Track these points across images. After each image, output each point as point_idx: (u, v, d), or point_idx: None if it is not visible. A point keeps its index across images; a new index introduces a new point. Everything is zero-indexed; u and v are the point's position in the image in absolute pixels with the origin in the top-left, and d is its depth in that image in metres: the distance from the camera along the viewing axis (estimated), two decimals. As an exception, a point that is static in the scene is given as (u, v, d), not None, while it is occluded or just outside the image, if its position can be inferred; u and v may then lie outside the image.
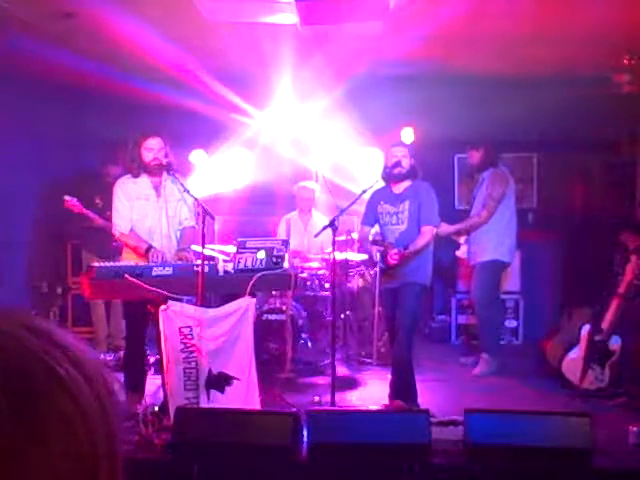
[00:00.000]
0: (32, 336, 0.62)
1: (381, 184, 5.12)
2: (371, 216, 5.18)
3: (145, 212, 4.83)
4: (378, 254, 4.95)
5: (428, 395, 5.15)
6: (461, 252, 6.56)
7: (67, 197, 5.85)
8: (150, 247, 4.68)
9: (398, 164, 4.97)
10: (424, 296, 5.18)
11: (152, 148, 4.76)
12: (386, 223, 5.07)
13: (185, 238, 4.93)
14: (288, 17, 4.90)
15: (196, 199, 4.69)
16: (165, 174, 4.81)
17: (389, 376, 5.09)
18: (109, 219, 6.14)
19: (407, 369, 4.95)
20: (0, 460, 0.56)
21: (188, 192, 4.69)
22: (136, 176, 4.83)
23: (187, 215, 4.92)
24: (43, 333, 0.63)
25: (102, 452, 0.63)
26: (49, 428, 0.59)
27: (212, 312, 4.47)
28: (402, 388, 4.94)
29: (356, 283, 6.41)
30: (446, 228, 5.86)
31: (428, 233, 4.94)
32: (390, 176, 5.03)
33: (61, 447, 0.59)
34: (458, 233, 6.25)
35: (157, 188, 4.85)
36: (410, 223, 4.96)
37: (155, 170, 4.78)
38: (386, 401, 5.01)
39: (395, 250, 4.75)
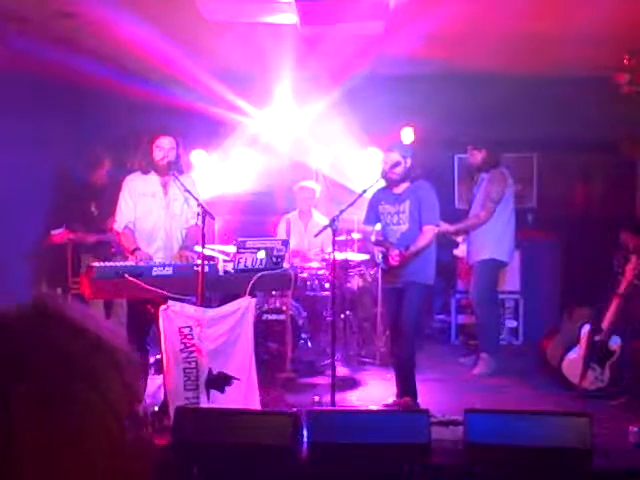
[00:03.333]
0: (63, 331, 0.62)
1: (382, 184, 5.11)
2: (372, 216, 5.18)
3: (150, 209, 4.83)
4: (380, 255, 4.94)
5: (428, 395, 5.15)
6: (459, 251, 6.56)
7: (52, 232, 5.89)
8: (136, 249, 4.68)
9: (391, 169, 4.97)
10: (428, 296, 5.22)
11: (163, 147, 4.76)
12: (387, 223, 5.07)
13: (190, 236, 4.92)
14: (288, 17, 4.90)
15: (196, 199, 4.69)
16: (172, 175, 4.82)
17: (389, 375, 5.09)
18: (103, 229, 6.18)
19: (410, 368, 4.98)
20: (38, 462, 0.57)
21: (190, 192, 4.69)
22: (145, 173, 4.84)
23: (193, 214, 4.92)
24: (72, 324, 0.64)
25: (129, 436, 0.65)
26: (84, 430, 0.60)
27: (212, 312, 4.47)
28: (405, 386, 4.98)
29: (356, 283, 6.41)
30: (445, 227, 5.87)
31: (429, 233, 4.95)
32: (386, 180, 5.05)
33: (95, 444, 0.61)
34: (457, 233, 6.25)
35: (165, 186, 4.86)
36: (411, 223, 4.97)
37: (163, 169, 4.79)
38: (386, 401, 5.03)
39: (396, 251, 4.76)
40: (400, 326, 4.97)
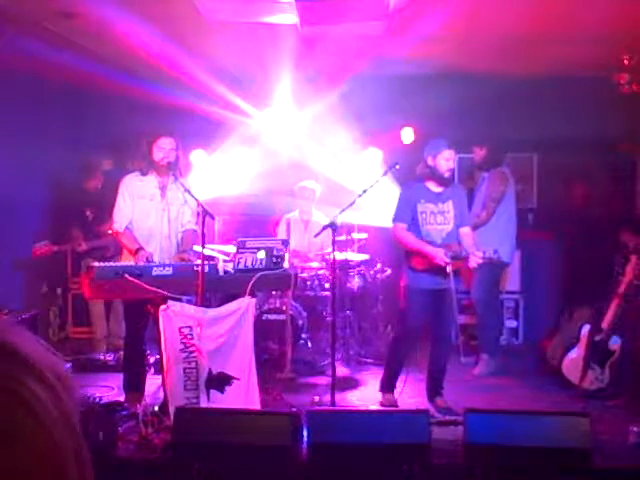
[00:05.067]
0: None
1: (381, 183, 5.08)
2: (409, 214, 4.94)
3: (147, 212, 4.83)
4: (448, 253, 4.75)
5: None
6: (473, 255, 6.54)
7: (36, 245, 5.91)
8: (140, 249, 4.67)
9: (451, 169, 4.92)
10: None
11: (163, 147, 4.76)
12: (429, 222, 4.93)
13: (186, 240, 4.93)
14: (288, 17, 4.90)
15: (196, 199, 4.69)
16: (172, 177, 4.81)
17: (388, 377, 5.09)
18: (98, 234, 6.19)
19: (446, 370, 5.06)
20: None
21: (190, 193, 4.69)
22: (144, 174, 4.83)
23: (189, 218, 4.92)
24: (3, 347, 0.63)
25: (69, 458, 0.64)
26: (18, 454, 0.60)
27: (212, 312, 4.46)
28: (440, 387, 5.02)
29: (356, 283, 6.41)
30: None
31: (471, 233, 5.07)
32: (441, 179, 4.91)
33: (29, 465, 0.60)
34: None
35: (163, 189, 4.86)
36: (455, 223, 4.95)
37: (163, 170, 4.79)
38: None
39: (480, 253, 4.73)
40: (445, 329, 4.99)
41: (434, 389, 5.02)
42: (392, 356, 5.17)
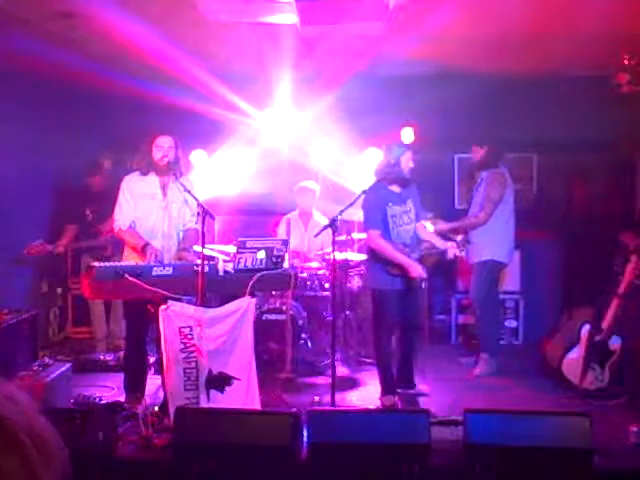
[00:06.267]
0: None
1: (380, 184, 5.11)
2: (379, 218, 4.99)
3: (149, 211, 4.84)
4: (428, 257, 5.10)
5: (428, 395, 5.16)
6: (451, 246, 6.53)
7: (30, 243, 5.93)
8: (147, 244, 4.68)
9: (412, 168, 5.07)
10: None
11: (162, 146, 4.77)
12: (400, 224, 5.04)
13: (187, 239, 4.94)
14: (288, 17, 4.90)
15: (196, 199, 4.70)
16: (172, 176, 4.82)
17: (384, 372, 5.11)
18: (96, 233, 6.19)
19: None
20: None
21: (190, 193, 4.70)
22: (145, 174, 4.84)
23: (190, 217, 4.93)
24: None
25: None
26: None
27: (212, 312, 4.47)
28: (408, 379, 5.24)
29: (356, 283, 6.41)
30: (442, 226, 5.90)
31: (427, 225, 5.31)
32: (403, 181, 5.08)
33: None
34: (454, 231, 6.23)
35: (164, 188, 4.87)
36: (415, 221, 5.15)
37: (163, 169, 4.80)
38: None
39: (453, 243, 5.13)
40: (413, 323, 5.19)
41: (402, 378, 5.23)
42: (379, 359, 5.22)
